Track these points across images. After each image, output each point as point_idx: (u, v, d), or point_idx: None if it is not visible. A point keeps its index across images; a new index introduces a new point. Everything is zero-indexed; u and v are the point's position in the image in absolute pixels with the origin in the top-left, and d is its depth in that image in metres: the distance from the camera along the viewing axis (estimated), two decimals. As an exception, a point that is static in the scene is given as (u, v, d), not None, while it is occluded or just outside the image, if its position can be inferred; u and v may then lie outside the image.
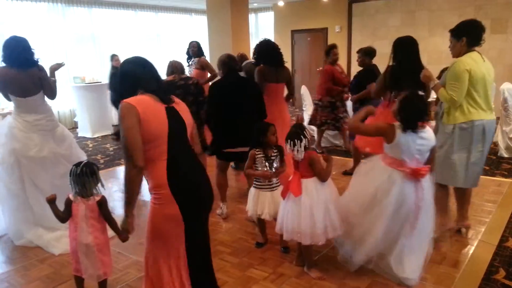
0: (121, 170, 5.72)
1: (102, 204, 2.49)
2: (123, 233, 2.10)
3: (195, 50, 6.17)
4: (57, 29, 8.48)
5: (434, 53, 8.22)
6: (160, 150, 1.90)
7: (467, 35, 2.90)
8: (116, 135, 4.61)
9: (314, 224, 2.64)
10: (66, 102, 8.46)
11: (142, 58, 2.12)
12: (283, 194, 2.81)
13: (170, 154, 1.93)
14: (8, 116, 3.65)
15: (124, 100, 1.87)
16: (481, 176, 3.21)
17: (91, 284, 2.65)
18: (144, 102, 1.90)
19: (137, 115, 1.84)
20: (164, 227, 1.91)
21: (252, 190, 3.17)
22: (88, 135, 7.92)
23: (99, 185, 2.49)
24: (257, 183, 3.13)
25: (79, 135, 8.10)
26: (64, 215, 2.49)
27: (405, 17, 9.23)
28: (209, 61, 6.45)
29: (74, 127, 8.66)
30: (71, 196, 2.49)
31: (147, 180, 2.01)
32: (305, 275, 2.83)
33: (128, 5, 9.68)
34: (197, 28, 10.86)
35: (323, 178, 2.72)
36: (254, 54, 4.43)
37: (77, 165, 2.48)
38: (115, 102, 1.98)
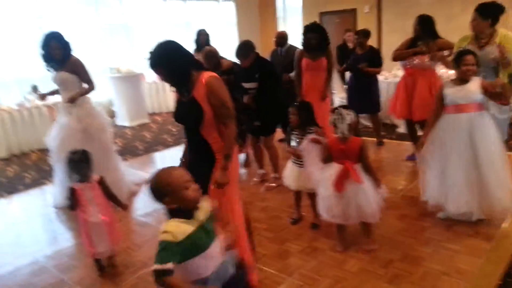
0: (158, 156, 6.00)
1: (103, 181, 2.78)
2: (125, 207, 2.85)
3: (206, 38, 6.02)
4: (90, 20, 8.79)
5: (467, 31, 7.90)
6: None
7: (493, 18, 3.28)
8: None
9: (376, 201, 2.77)
10: (103, 92, 8.81)
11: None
12: (338, 188, 2.74)
13: None
14: None
15: (212, 74, 2.27)
16: (508, 153, 3.25)
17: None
18: None
19: None
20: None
21: (289, 163, 3.36)
22: (126, 123, 8.23)
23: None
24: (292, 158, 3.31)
25: (118, 123, 8.43)
26: (73, 204, 2.72)
27: (437, -6, 8.97)
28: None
29: (112, 116, 9.00)
30: (74, 185, 2.70)
31: (214, 143, 2.32)
32: (339, 249, 2.98)
33: (157, -6, 9.87)
34: (224, 15, 10.97)
35: (368, 167, 2.79)
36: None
37: (84, 154, 2.74)
38: (183, 73, 2.27)
